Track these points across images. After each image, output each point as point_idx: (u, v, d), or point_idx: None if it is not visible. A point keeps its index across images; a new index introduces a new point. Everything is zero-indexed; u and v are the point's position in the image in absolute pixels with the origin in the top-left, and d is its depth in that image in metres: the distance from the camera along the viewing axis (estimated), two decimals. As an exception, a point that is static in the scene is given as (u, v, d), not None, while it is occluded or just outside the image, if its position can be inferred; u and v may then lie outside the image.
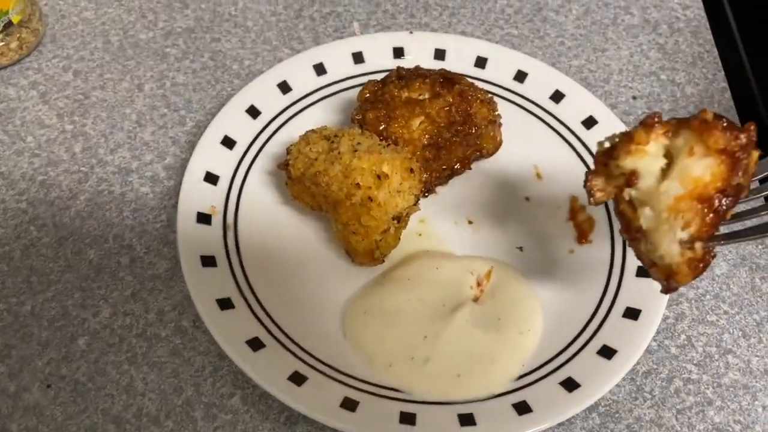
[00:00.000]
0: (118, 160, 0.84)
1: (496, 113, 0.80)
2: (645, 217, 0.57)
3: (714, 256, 0.57)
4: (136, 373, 0.69)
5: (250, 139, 0.81)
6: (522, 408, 0.64)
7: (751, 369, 0.73)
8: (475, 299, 0.73)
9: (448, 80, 0.78)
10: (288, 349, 0.67)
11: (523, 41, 0.99)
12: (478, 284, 0.74)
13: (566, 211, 0.81)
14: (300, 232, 0.77)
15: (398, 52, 0.90)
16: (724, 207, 0.54)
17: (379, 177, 0.69)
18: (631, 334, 0.69)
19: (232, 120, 0.81)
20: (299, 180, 0.73)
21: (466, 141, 0.79)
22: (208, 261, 0.71)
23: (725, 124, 0.53)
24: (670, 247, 0.56)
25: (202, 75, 0.92)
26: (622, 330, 0.69)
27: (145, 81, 0.91)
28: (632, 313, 0.70)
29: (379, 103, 0.77)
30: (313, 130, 0.75)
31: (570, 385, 0.66)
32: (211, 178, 0.77)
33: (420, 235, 0.79)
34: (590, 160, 0.83)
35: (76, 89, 0.90)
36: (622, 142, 0.56)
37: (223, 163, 0.78)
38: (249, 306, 0.69)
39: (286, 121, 0.83)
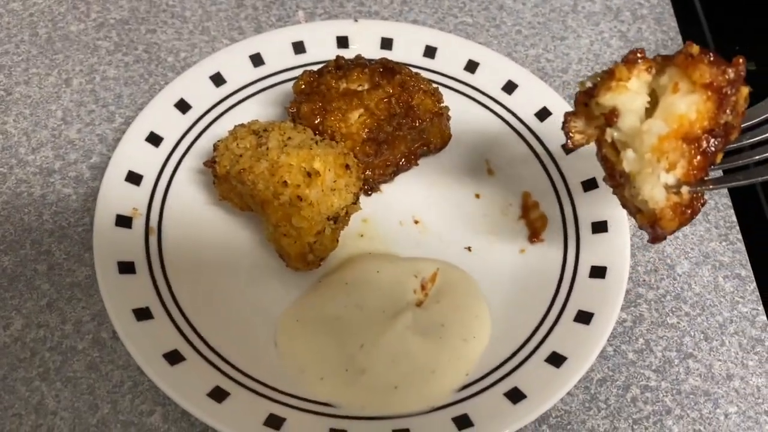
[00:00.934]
0: (40, 159, 0.78)
1: (442, 105, 0.75)
2: (628, 159, 0.53)
3: (704, 203, 0.53)
4: (47, 390, 0.64)
5: (179, 136, 0.76)
6: (463, 422, 0.60)
7: (712, 374, 0.68)
8: (419, 304, 0.68)
9: (389, 70, 0.73)
10: (210, 363, 0.62)
11: (478, 30, 0.94)
12: (423, 288, 0.69)
13: (518, 208, 0.76)
14: (230, 235, 0.72)
15: (342, 42, 0.85)
16: (713, 148, 0.51)
17: (309, 174, 0.64)
18: (582, 340, 0.64)
19: (159, 115, 0.76)
20: (225, 179, 0.68)
21: (411, 135, 0.74)
22: (126, 267, 0.65)
23: (712, 58, 0.50)
24: (654, 191, 0.52)
25: (134, 68, 0.87)
26: (573, 335, 0.64)
27: (73, 75, 0.86)
28: (584, 317, 0.65)
29: (315, 94, 0.72)
30: (242, 125, 0.70)
31: (515, 396, 0.61)
32: (134, 178, 0.71)
33: (362, 236, 0.74)
34: (544, 154, 0.78)
35: (-2, 85, 0.84)
36: (603, 79, 0.53)
37: (148, 161, 0.73)
38: (169, 316, 0.64)
39: (220, 116, 0.78)
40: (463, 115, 0.80)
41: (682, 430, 0.65)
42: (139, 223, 0.69)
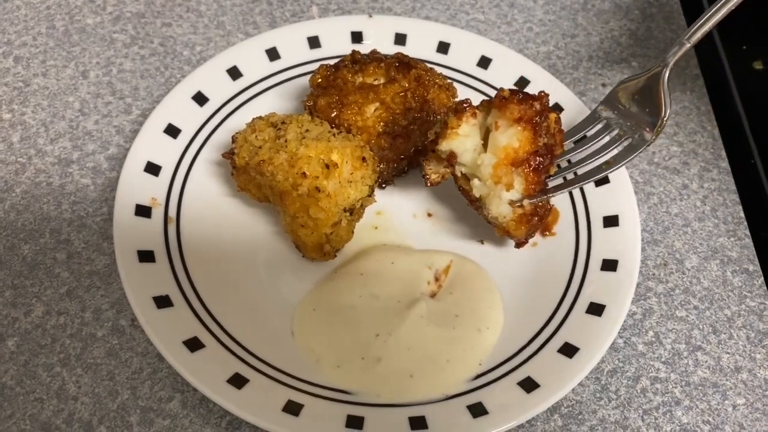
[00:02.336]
0: (58, 150, 0.79)
1: (457, 100, 0.76)
2: (476, 186, 0.66)
3: (550, 209, 0.68)
4: (68, 376, 0.65)
5: (196, 128, 0.77)
6: (477, 410, 0.61)
7: (721, 366, 0.69)
8: (433, 295, 0.69)
9: (405, 64, 0.74)
10: (229, 350, 0.63)
11: (490, 27, 0.95)
12: (436, 279, 0.70)
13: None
14: (247, 225, 0.73)
15: (356, 37, 0.86)
16: (541, 166, 0.62)
17: (327, 166, 0.65)
18: (594, 331, 0.65)
19: (177, 107, 0.77)
20: (244, 170, 0.69)
21: (425, 129, 0.75)
22: (146, 256, 0.67)
23: (520, 97, 0.61)
24: (500, 208, 0.64)
25: (150, 61, 0.88)
26: (586, 327, 0.66)
27: (90, 68, 0.87)
28: (596, 309, 0.66)
29: (332, 88, 0.73)
30: (260, 117, 0.71)
31: (529, 385, 0.62)
32: (153, 169, 0.72)
33: (376, 228, 0.75)
34: (555, 149, 0.79)
35: (16, 76, 0.85)
36: (442, 128, 0.64)
37: (167, 152, 0.74)
38: (189, 304, 0.65)
39: (236, 109, 0.79)
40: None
41: (691, 421, 0.66)
42: (158, 213, 0.70)
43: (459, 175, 0.67)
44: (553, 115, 0.64)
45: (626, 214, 0.72)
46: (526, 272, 0.71)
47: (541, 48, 0.94)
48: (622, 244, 0.70)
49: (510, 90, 0.62)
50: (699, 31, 0.67)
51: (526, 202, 0.64)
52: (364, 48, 0.80)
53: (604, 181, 0.75)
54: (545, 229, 0.74)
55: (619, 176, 0.75)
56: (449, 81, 0.76)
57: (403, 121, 0.73)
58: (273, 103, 0.80)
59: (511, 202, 0.64)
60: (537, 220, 0.65)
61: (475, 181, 0.66)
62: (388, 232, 0.75)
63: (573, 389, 0.66)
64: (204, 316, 0.65)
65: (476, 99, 0.81)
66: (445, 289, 0.70)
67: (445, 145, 0.65)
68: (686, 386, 0.68)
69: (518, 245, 0.69)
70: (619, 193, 0.74)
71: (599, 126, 0.70)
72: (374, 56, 0.76)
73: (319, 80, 0.74)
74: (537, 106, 0.61)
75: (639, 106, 0.68)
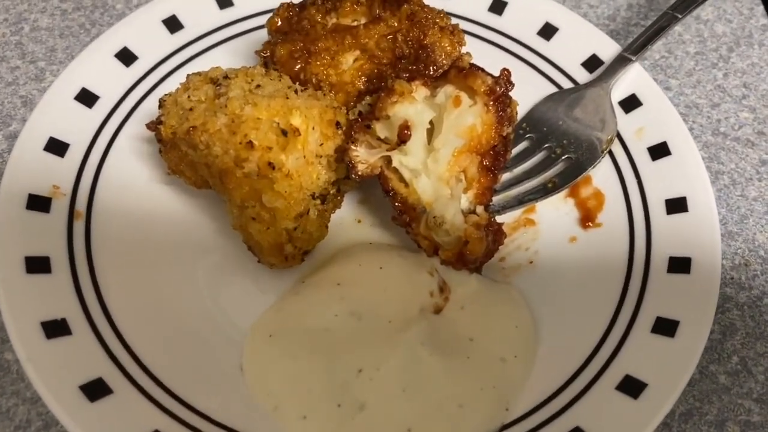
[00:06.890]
0: (-56, 128, 0.63)
1: (464, 51, 0.59)
2: (422, 187, 0.53)
3: (499, 228, 0.53)
4: (-76, 435, 0.48)
5: (120, 94, 0.63)
6: (506, 481, 0.43)
7: (837, 403, 0.52)
8: (437, 311, 0.55)
9: (393, -1, 0.58)
10: (149, 397, 0.49)
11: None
12: (441, 289, 0.55)
13: (564, 182, 0.62)
14: (183, 220, 0.59)
15: (333, -23, 0.69)
16: (497, 165, 0.53)
17: (284, 132, 0.49)
18: (665, 358, 0.50)
19: (94, 67, 0.63)
20: (173, 144, 0.52)
21: (423, 87, 0.58)
22: (38, 264, 0.52)
23: (482, 69, 0.51)
24: (456, 216, 0.52)
25: (74, 17, 0.74)
26: (653, 352, 0.51)
27: (-5, 26, 0.71)
28: (666, 327, 0.51)
29: (296, 33, 0.59)
30: (197, 73, 0.55)
31: (578, 440, 0.45)
32: (57, 147, 0.58)
33: (360, 221, 0.61)
34: (595, 115, 0.63)
35: None
36: (383, 98, 0.51)
37: (78, 125, 0.60)
38: (95, 331, 0.51)
39: (174, 70, 0.66)
40: (489, 66, 0.63)
41: (801, 482, 0.48)
42: (60, 206, 0.56)
43: (392, 174, 0.53)
44: (515, 102, 0.54)
45: (697, 194, 0.57)
46: (565, 277, 0.57)
47: (568, -4, 0.77)
48: (694, 236, 0.55)
49: (470, 63, 0.52)
50: (646, 46, 0.64)
51: (480, 209, 0.53)
52: (342, -10, 0.63)
53: (664, 152, 0.59)
54: (587, 219, 0.58)
55: (683, 147, 0.59)
56: (454, 23, 0.59)
57: (393, 75, 0.57)
58: (222, 63, 0.63)
59: (464, 212, 0.53)
60: (494, 234, 0.53)
61: (422, 180, 0.53)
62: (374, 227, 0.61)
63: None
64: (116, 348, 0.50)
65: (489, 54, 0.68)
66: (454, 303, 0.55)
67: (399, 110, 0.50)
68: (791, 432, 0.51)
69: (473, 269, 0.55)
70: (684, 167, 0.59)
71: (524, 143, 0.63)
72: (352, -10, 0.59)
73: (279, 23, 0.60)
74: (501, 83, 0.52)
75: (577, 121, 0.62)
